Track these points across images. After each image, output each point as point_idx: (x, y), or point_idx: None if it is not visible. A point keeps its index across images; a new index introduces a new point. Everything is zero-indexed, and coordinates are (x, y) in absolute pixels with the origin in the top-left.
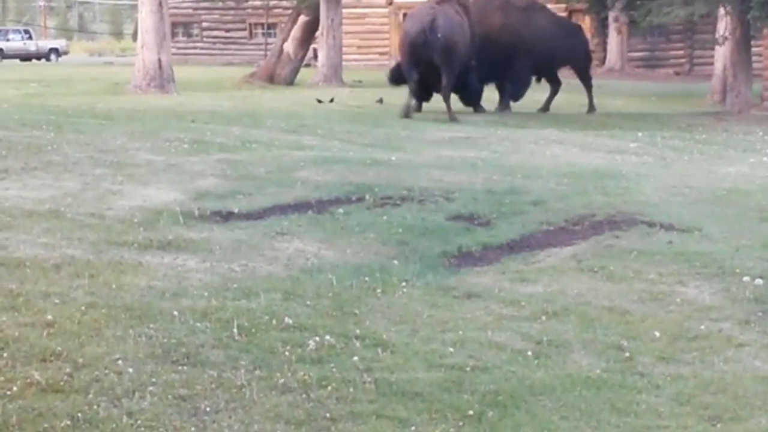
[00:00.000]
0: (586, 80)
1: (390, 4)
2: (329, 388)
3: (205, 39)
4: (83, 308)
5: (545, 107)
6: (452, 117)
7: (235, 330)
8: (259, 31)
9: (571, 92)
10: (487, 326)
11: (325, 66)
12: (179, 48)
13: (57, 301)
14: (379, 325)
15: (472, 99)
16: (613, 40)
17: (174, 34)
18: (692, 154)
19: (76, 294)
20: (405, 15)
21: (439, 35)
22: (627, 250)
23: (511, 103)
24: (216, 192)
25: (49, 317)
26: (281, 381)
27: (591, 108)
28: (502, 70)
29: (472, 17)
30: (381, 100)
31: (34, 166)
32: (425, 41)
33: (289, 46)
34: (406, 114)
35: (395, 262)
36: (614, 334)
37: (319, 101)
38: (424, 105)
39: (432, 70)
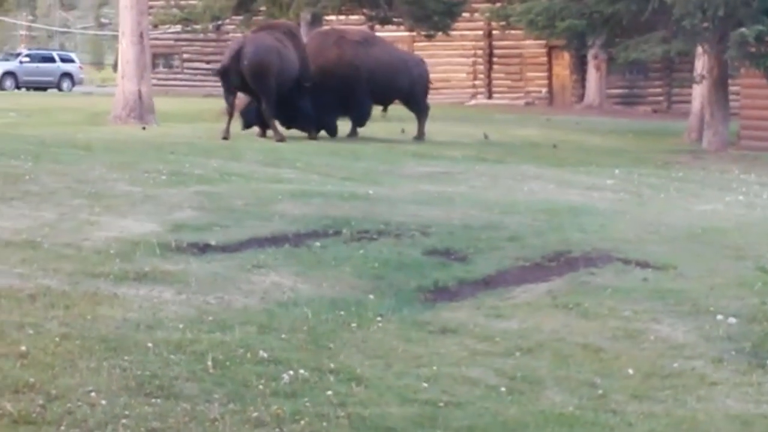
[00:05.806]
0: (421, 110)
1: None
2: (303, 422)
3: (185, 70)
4: (57, 339)
5: (419, 135)
6: (279, 137)
7: (209, 363)
8: None
9: (548, 128)
10: (461, 362)
11: None
12: (159, 79)
13: (31, 331)
14: (354, 360)
15: (307, 123)
16: (592, 77)
17: (155, 65)
18: (669, 192)
19: (51, 325)
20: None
21: (245, 62)
22: (602, 287)
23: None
24: (193, 224)
25: (23, 348)
26: (255, 414)
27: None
28: (343, 100)
29: (300, 43)
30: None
31: (11, 196)
32: (234, 69)
33: None
34: (225, 137)
35: (371, 296)
36: (588, 371)
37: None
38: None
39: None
